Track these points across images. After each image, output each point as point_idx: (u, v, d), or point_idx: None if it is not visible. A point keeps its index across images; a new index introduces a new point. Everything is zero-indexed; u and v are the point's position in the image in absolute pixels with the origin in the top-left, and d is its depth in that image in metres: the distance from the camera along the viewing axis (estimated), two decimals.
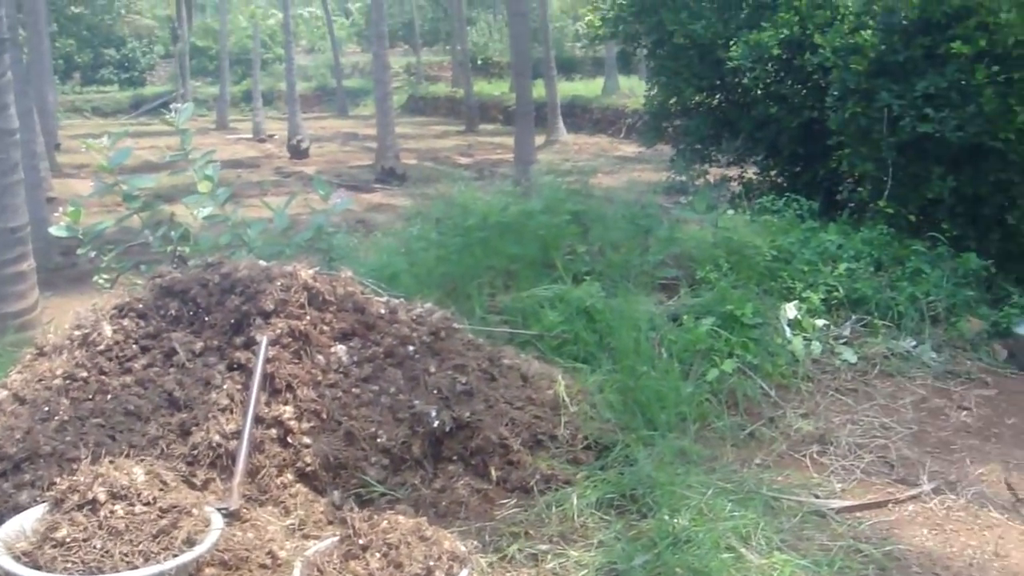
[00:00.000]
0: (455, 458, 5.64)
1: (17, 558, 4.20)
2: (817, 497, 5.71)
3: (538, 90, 25.93)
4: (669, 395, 6.48)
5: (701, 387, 6.79)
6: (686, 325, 7.38)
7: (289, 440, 5.48)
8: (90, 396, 5.59)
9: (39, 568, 4.12)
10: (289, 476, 5.40)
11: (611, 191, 11.94)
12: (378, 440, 5.53)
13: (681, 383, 6.67)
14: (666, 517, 5.11)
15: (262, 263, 6.32)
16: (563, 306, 7.30)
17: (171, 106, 8.74)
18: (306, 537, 5.11)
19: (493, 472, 5.57)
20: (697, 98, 14.61)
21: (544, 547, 5.00)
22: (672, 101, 14.96)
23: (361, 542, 4.40)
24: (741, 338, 7.33)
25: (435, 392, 5.80)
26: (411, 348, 6.01)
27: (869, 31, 9.92)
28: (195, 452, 5.35)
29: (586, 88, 38.05)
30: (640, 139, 19.53)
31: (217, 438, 5.37)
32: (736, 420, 6.65)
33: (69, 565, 4.10)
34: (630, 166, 22.55)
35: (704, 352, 7.13)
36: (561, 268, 7.88)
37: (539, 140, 24.32)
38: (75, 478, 4.47)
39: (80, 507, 4.31)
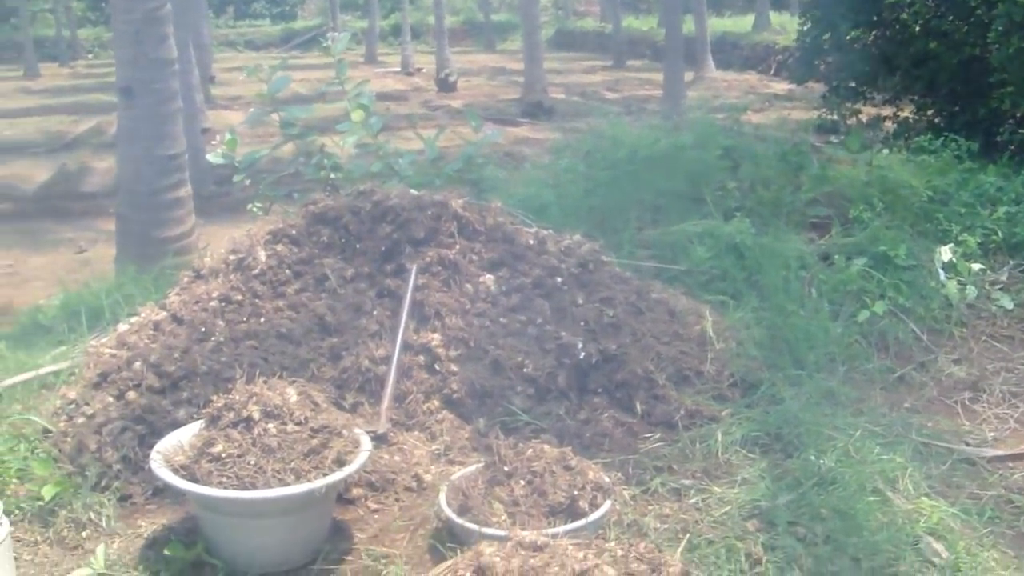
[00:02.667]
0: (600, 390, 5.64)
1: (175, 471, 4.34)
2: (968, 444, 5.58)
3: (687, 26, 25.52)
4: (818, 335, 6.39)
5: (851, 328, 6.67)
6: (837, 265, 7.24)
7: (436, 367, 5.56)
8: (244, 319, 5.74)
9: (196, 481, 4.26)
10: (436, 402, 5.48)
11: (761, 128, 11.73)
12: (524, 370, 5.56)
13: (830, 323, 6.57)
14: (812, 457, 5.06)
15: (413, 192, 6.37)
16: (712, 242, 7.22)
17: (328, 35, 8.83)
18: (451, 463, 5.19)
19: (638, 406, 5.56)
20: (852, 34, 14.22)
21: (687, 482, 4.99)
22: (826, 37, 14.60)
23: (506, 469, 4.43)
24: (893, 280, 7.16)
25: (582, 324, 5.80)
26: (559, 279, 6.01)
27: None
28: (345, 376, 5.46)
29: (736, 24, 37.27)
30: (791, 76, 19.10)
31: (366, 363, 5.47)
32: (886, 363, 6.51)
33: (224, 479, 4.22)
34: (780, 104, 22.07)
35: (855, 293, 7.00)
36: (711, 203, 7.79)
37: (687, 76, 23.98)
38: (231, 396, 4.59)
39: (235, 424, 4.43)
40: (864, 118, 14.86)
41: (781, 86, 25.69)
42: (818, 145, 11.90)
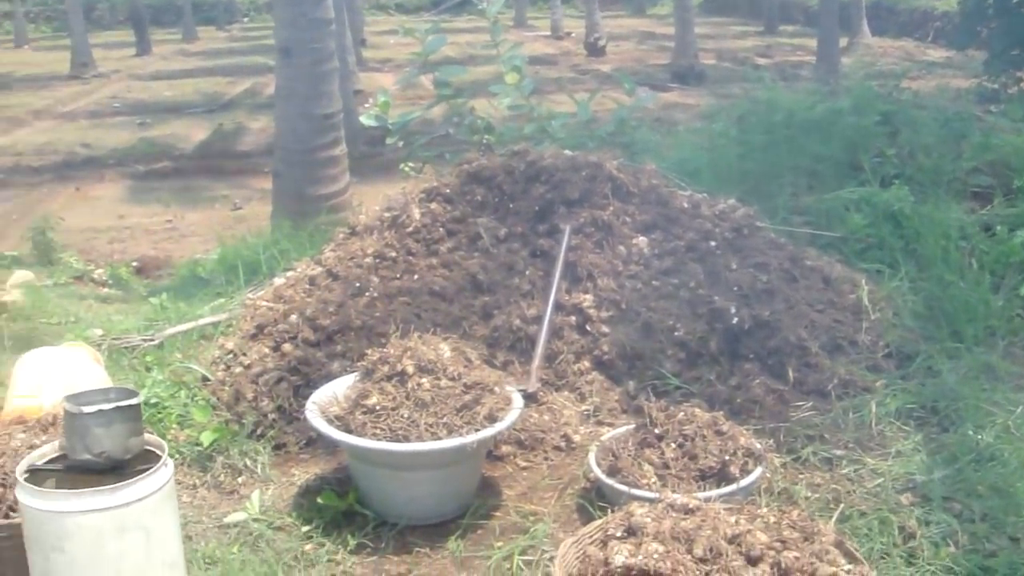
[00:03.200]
0: (751, 357, 5.56)
1: (330, 421, 4.43)
2: None
3: None
4: (978, 307, 6.20)
5: (1012, 301, 6.45)
6: (999, 236, 7.01)
7: (588, 328, 5.56)
8: (398, 275, 5.82)
9: (350, 432, 4.33)
10: (586, 363, 5.48)
11: (920, 95, 11.40)
12: (675, 333, 5.53)
13: (991, 296, 6.36)
14: (969, 432, 4.93)
15: (567, 153, 6.36)
16: (869, 209, 7.06)
17: None
18: (600, 424, 5.19)
19: (790, 373, 5.47)
20: None
21: (839, 452, 4.90)
22: (989, 1, 14.11)
23: (657, 431, 4.41)
24: None
25: (735, 289, 5.74)
26: (712, 243, 5.96)
27: None
28: (496, 335, 5.50)
29: None
30: (950, 43, 18.55)
31: (518, 322, 5.50)
32: None
33: (377, 431, 4.29)
34: (938, 71, 21.45)
35: (1017, 265, 6.77)
36: (868, 170, 7.62)
37: (841, 43, 23.44)
38: (386, 350, 4.66)
39: (390, 378, 4.49)
40: None
41: (939, 53, 24.94)
42: (978, 114, 11.53)
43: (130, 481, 3.38)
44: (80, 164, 15.99)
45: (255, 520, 4.55)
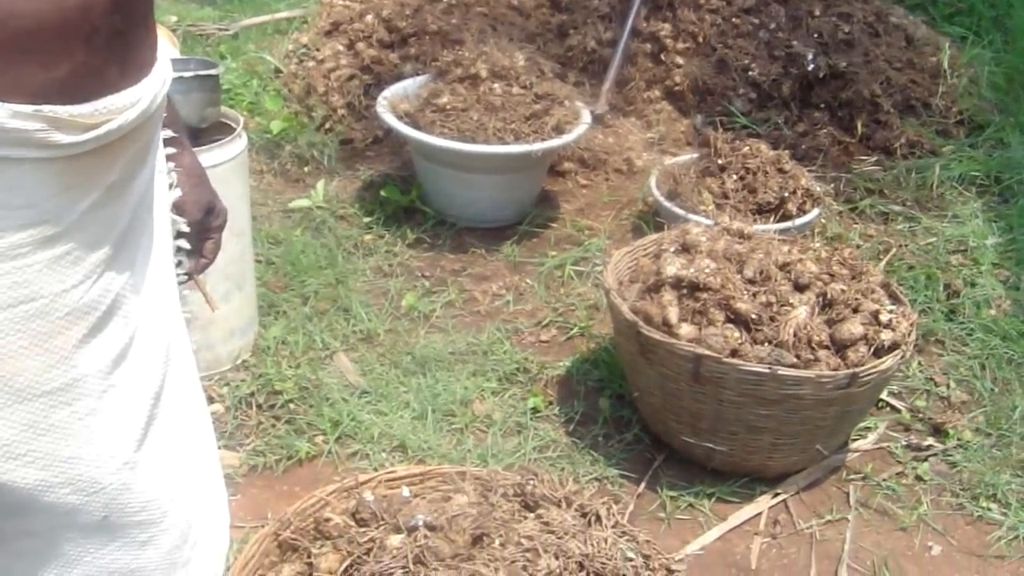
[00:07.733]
0: (822, 106, 5.51)
1: (399, 117, 4.48)
2: None
3: None
4: None
5: None
6: None
7: (662, 57, 5.51)
8: None
9: (418, 128, 4.38)
10: (656, 92, 5.46)
11: None
12: (749, 73, 5.47)
13: None
14: None
15: None
16: None
17: None
18: (663, 152, 5.21)
19: (859, 127, 5.43)
20: None
21: (896, 208, 4.92)
22: None
23: (720, 162, 4.43)
24: None
25: (815, 36, 5.62)
26: None
27: None
28: (569, 54, 5.47)
29: None
30: None
31: (592, 44, 5.46)
32: None
33: (446, 130, 4.34)
34: None
35: None
36: None
37: None
38: (460, 53, 4.67)
39: (462, 80, 4.52)
40: None
41: None
42: None
43: (204, 148, 3.44)
44: None
45: (318, 207, 4.66)
